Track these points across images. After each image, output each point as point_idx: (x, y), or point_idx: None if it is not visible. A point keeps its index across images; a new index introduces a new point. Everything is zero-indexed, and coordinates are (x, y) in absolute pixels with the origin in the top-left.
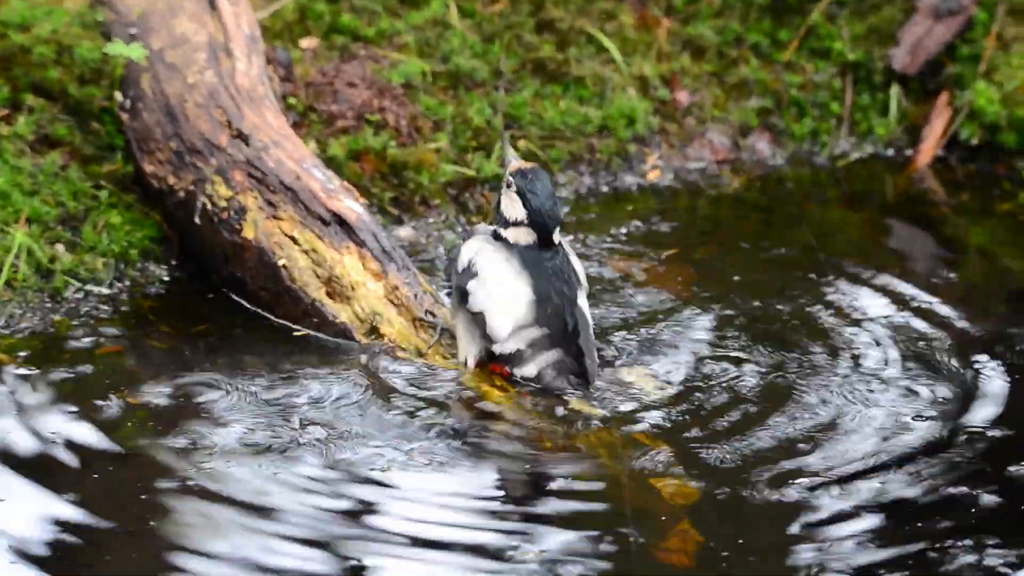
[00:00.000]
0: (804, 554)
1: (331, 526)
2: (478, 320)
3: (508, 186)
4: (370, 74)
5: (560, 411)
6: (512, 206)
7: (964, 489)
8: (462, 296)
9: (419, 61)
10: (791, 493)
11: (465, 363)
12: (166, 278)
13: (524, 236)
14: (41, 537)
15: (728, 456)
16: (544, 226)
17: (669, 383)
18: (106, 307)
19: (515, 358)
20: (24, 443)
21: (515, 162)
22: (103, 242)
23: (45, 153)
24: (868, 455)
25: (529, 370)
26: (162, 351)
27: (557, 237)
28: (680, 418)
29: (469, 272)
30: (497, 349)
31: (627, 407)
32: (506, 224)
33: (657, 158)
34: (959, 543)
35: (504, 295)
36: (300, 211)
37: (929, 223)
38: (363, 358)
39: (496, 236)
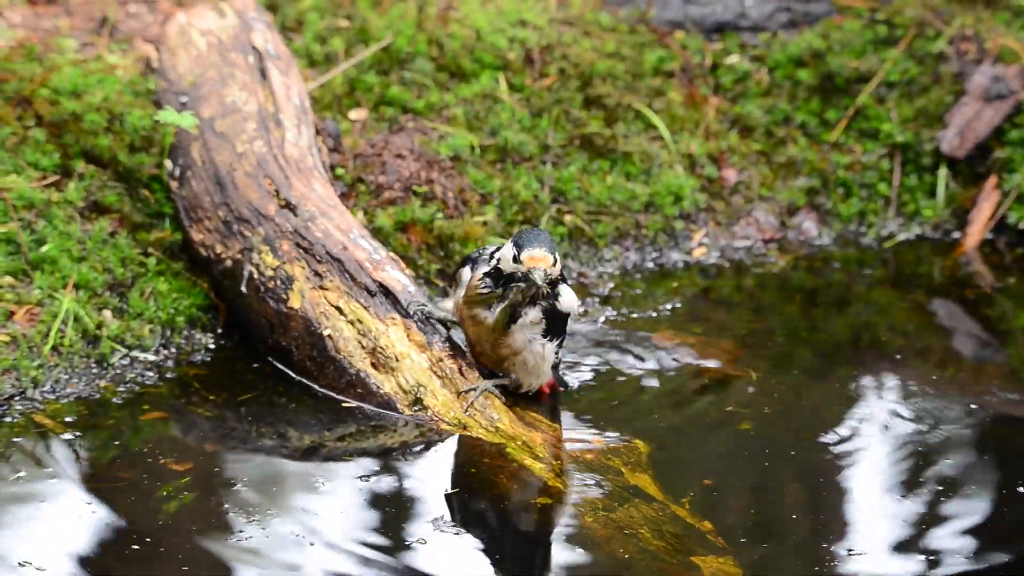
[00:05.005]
0: None
1: None
2: (562, 323)
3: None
4: (418, 146)
5: (603, 487)
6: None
7: None
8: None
9: (467, 134)
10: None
11: (528, 390)
12: (212, 346)
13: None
14: None
15: (770, 535)
16: None
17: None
18: (151, 374)
19: None
20: (66, 507)
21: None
22: (150, 309)
23: (94, 220)
24: (907, 541)
25: None
26: (206, 419)
27: None
28: (721, 495)
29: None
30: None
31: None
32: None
33: (703, 236)
34: None
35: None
36: (346, 281)
37: (976, 306)
38: (406, 431)
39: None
